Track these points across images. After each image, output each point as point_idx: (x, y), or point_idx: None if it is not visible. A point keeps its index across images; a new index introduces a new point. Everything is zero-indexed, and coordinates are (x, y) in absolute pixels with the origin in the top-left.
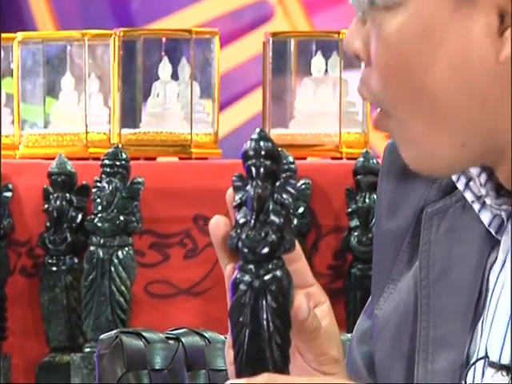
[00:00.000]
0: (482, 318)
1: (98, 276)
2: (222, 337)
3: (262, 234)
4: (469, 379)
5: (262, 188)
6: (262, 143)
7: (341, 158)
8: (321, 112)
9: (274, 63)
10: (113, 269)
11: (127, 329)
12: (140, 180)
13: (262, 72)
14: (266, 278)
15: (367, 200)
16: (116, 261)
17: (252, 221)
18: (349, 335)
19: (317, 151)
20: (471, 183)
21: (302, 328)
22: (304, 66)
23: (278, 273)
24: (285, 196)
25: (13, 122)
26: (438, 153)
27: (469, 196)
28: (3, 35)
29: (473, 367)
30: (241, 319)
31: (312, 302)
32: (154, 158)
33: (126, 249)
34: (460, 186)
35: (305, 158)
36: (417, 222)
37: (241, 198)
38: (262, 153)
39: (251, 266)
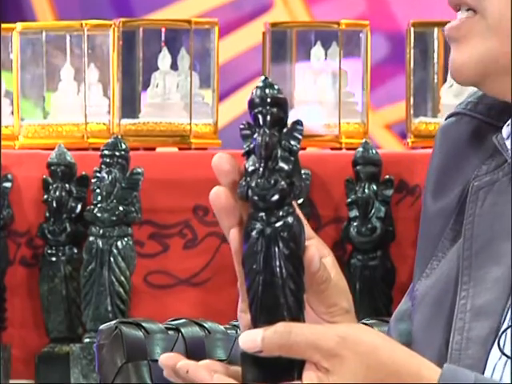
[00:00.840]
0: None
1: (98, 266)
2: (222, 327)
3: (272, 182)
4: (502, 342)
5: (269, 135)
6: (267, 90)
7: (340, 149)
8: (320, 102)
9: (273, 53)
10: (112, 259)
11: (127, 319)
12: (139, 170)
13: (261, 62)
14: (278, 225)
15: (366, 190)
16: (115, 251)
17: (261, 169)
18: None
19: (316, 141)
20: None
21: (314, 280)
22: (303, 56)
23: (289, 219)
24: (293, 142)
25: (12, 113)
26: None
27: None
28: (3, 25)
29: (506, 332)
30: (254, 267)
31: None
32: (154, 149)
33: (126, 239)
34: (509, 143)
35: (304, 149)
36: (464, 200)
37: (249, 146)
38: (268, 100)
39: (262, 214)
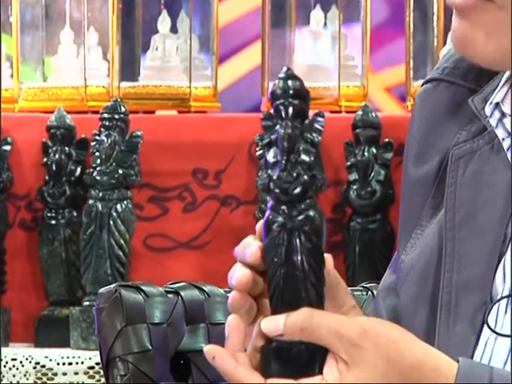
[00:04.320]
0: (505, 261)
1: (97, 229)
2: (222, 290)
3: (294, 175)
4: (490, 319)
5: (291, 128)
6: (289, 82)
7: (340, 112)
8: (320, 65)
9: (272, 16)
10: (112, 222)
11: (126, 282)
12: (139, 133)
13: (261, 25)
14: (299, 218)
15: (366, 153)
16: (115, 214)
17: (283, 161)
18: (348, 288)
19: (316, 105)
20: (505, 119)
21: (328, 285)
22: (303, 19)
23: (311, 212)
24: (314, 134)
25: (12, 76)
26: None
27: (500, 132)
28: None
29: (496, 305)
30: (275, 260)
31: None
32: (153, 112)
33: (125, 202)
34: (493, 121)
35: None
36: (445, 168)
37: (270, 138)
38: (291, 92)
39: (284, 207)
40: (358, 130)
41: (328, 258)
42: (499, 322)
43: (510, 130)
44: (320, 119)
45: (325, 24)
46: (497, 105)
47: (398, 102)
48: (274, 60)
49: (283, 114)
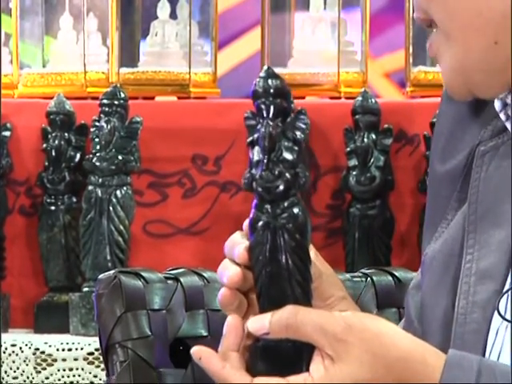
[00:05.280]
0: None
1: (97, 215)
2: None
3: (276, 173)
4: (502, 307)
5: (272, 127)
6: (270, 81)
7: (339, 98)
8: (319, 51)
9: (272, 2)
10: (111, 208)
11: (126, 268)
12: (138, 119)
13: (260, 11)
14: (283, 216)
15: (366, 139)
16: (114, 200)
17: (264, 160)
18: (347, 275)
19: (315, 90)
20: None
21: None
22: (302, 4)
23: (295, 210)
24: (297, 132)
25: (11, 62)
26: (473, 52)
27: (509, 125)
28: None
29: (506, 295)
30: (260, 259)
31: None
32: (153, 98)
33: (125, 188)
34: (503, 116)
35: (303, 98)
36: (471, 163)
37: (253, 137)
38: (271, 91)
39: (267, 206)
40: (357, 116)
41: (310, 250)
42: (509, 310)
43: None
44: (302, 117)
45: (324, 9)
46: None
47: (398, 87)
48: (273, 46)
49: (264, 112)
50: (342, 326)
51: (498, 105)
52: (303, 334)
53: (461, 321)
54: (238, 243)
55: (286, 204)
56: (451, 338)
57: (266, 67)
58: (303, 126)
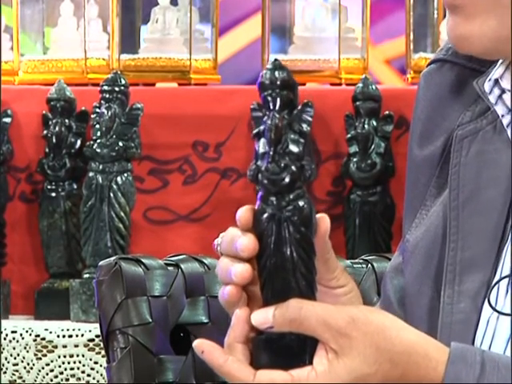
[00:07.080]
0: (508, 240)
1: (97, 202)
2: None
3: (282, 165)
4: (492, 297)
5: (278, 119)
6: (277, 73)
7: (340, 84)
8: (320, 38)
9: None
10: (112, 195)
11: (126, 255)
12: (139, 106)
13: None
14: (288, 208)
15: (366, 126)
16: (115, 187)
17: (270, 152)
18: (348, 261)
19: (316, 77)
20: (504, 95)
21: (325, 249)
22: None
23: (300, 203)
24: (303, 124)
25: (12, 48)
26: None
27: (500, 109)
28: None
29: (497, 286)
30: (265, 251)
31: None
32: (153, 84)
33: (125, 175)
34: (492, 98)
35: (304, 84)
36: (449, 148)
37: (259, 129)
38: (278, 83)
39: (273, 198)
40: (358, 103)
41: (324, 218)
42: (500, 300)
43: (509, 105)
44: (309, 109)
45: None
46: (496, 81)
47: (398, 74)
48: (274, 32)
49: (271, 104)
50: (346, 321)
51: (488, 86)
52: (307, 327)
53: (447, 310)
54: (238, 236)
55: (291, 196)
56: (438, 327)
57: (273, 59)
58: (309, 119)
